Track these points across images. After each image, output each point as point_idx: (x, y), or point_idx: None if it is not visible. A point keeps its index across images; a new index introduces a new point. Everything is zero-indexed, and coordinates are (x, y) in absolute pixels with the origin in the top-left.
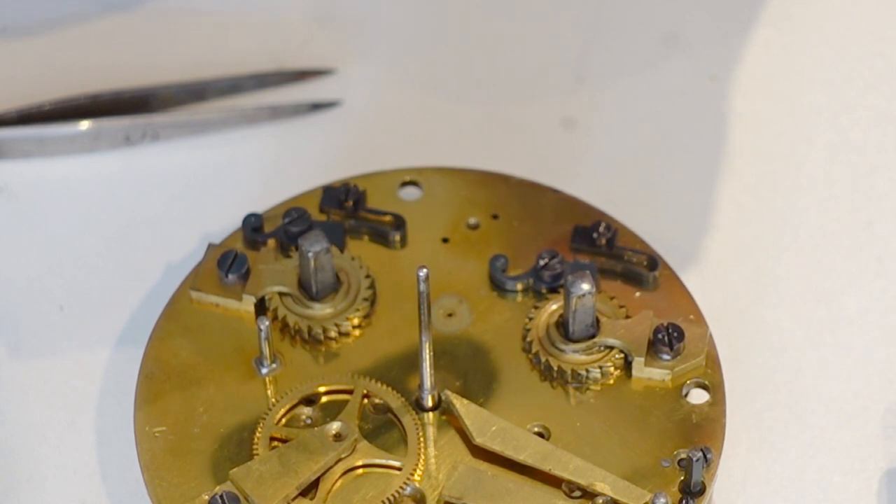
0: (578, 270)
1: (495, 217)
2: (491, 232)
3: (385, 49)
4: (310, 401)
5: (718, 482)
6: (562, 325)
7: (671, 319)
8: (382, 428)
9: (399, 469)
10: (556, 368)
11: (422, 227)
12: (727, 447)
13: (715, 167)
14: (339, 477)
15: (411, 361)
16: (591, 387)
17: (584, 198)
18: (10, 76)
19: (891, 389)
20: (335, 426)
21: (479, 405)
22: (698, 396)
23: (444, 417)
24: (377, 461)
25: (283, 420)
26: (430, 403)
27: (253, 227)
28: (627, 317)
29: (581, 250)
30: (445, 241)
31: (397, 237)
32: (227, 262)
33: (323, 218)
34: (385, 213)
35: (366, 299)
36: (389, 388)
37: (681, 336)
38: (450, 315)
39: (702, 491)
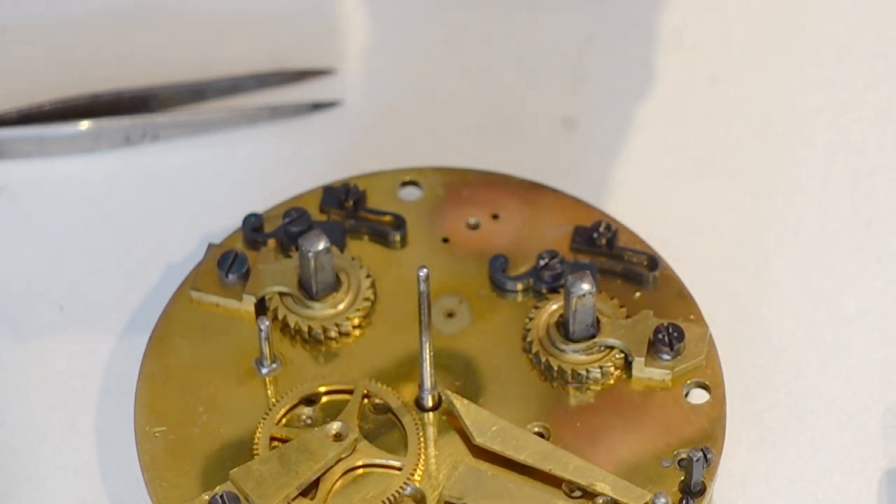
0: (578, 270)
1: (495, 217)
2: (491, 232)
3: (385, 49)
4: (310, 401)
5: (718, 482)
6: (562, 325)
7: (671, 319)
8: (383, 428)
9: (399, 469)
10: (556, 368)
11: (422, 227)
12: (727, 447)
13: (715, 167)
14: (340, 477)
15: (411, 361)
16: (592, 387)
17: (585, 198)
18: (10, 76)
19: (891, 389)
20: (335, 426)
21: (479, 405)
22: (698, 396)
23: (444, 417)
24: (377, 461)
25: (284, 420)
26: (430, 403)
27: (253, 227)
28: (628, 317)
29: (581, 250)
30: (445, 241)
31: (397, 237)
32: (228, 262)
33: (323, 218)
34: (385, 213)
35: (366, 299)
36: (389, 388)
37: (681, 336)
38: (450, 315)
39: (702, 491)
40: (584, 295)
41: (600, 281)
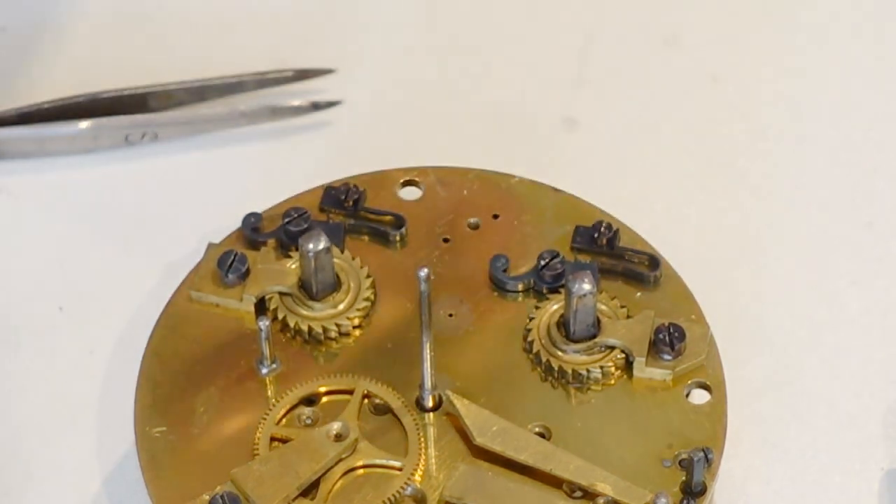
0: (579, 270)
1: (496, 217)
2: (491, 232)
3: (385, 49)
4: (310, 401)
5: (719, 482)
6: (563, 325)
7: (672, 319)
8: (383, 428)
9: (400, 469)
10: (556, 368)
11: (422, 226)
12: (728, 447)
13: (716, 167)
14: (340, 477)
15: (412, 362)
16: (592, 387)
17: (585, 197)
18: (9, 76)
19: (892, 389)
20: (336, 426)
21: (479, 405)
22: (699, 396)
23: (444, 418)
24: (378, 461)
25: (284, 420)
26: (430, 403)
27: (253, 227)
28: (628, 317)
29: (582, 250)
30: (446, 240)
31: (398, 237)
32: (227, 262)
33: (323, 218)
34: (385, 213)
35: (366, 299)
36: (390, 389)
37: (682, 336)
38: (450, 315)
39: (703, 491)
40: (584, 295)
41: (601, 281)
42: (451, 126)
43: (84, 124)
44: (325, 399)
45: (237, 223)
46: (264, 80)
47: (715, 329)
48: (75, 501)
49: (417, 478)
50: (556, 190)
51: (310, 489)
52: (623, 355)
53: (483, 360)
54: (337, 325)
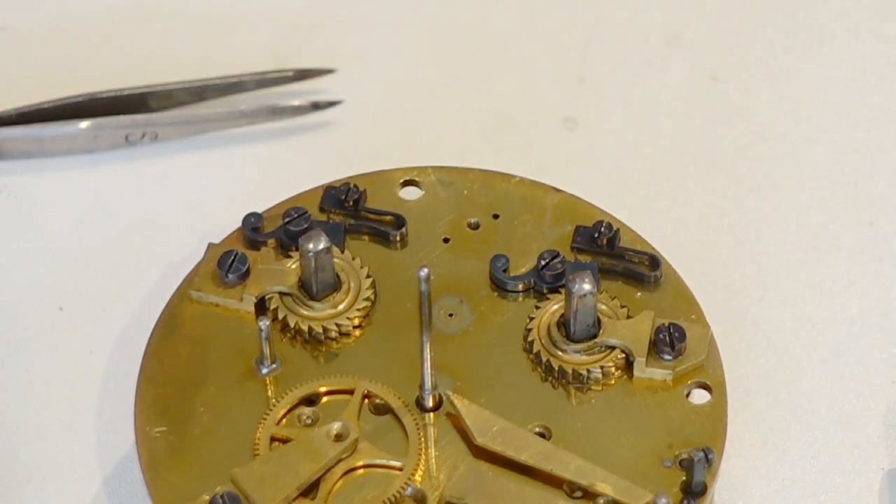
0: (579, 270)
1: (496, 217)
2: (492, 232)
3: (385, 49)
4: (310, 401)
5: (720, 482)
6: (563, 325)
7: (673, 319)
8: (383, 428)
9: (400, 469)
10: (557, 368)
11: (422, 226)
12: (728, 447)
13: (716, 167)
14: (340, 477)
15: (412, 361)
16: (593, 387)
17: (586, 197)
18: (9, 76)
19: (892, 390)
20: (336, 426)
21: (479, 405)
22: (700, 396)
23: (445, 418)
24: (378, 461)
25: (284, 420)
26: (430, 404)
27: (253, 227)
28: (629, 317)
29: (582, 250)
30: (446, 240)
31: (398, 237)
32: (228, 262)
33: (323, 218)
34: (385, 213)
35: (366, 299)
36: (390, 389)
37: (682, 336)
38: (451, 315)
39: (703, 491)
40: (585, 295)
41: (601, 281)
42: (452, 126)
43: (84, 124)
44: (325, 399)
45: (237, 223)
46: (264, 80)
47: (715, 329)
48: (75, 501)
49: (418, 478)
50: (556, 190)
51: (310, 489)
52: (623, 355)
53: (483, 360)
54: (337, 325)
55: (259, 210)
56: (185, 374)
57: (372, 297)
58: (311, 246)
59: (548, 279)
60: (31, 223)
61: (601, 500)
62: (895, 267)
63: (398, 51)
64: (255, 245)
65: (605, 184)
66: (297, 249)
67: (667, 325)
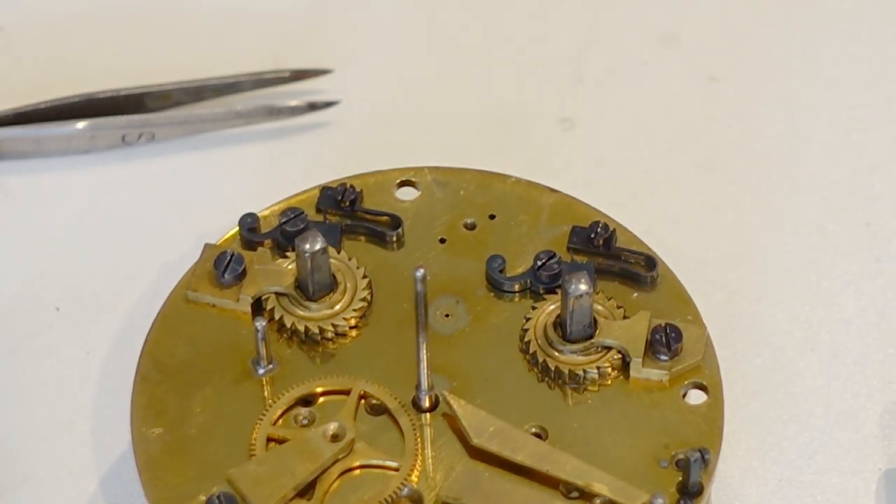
0: (576, 271)
1: (492, 217)
2: (488, 232)
3: (383, 49)
4: (307, 401)
5: (716, 483)
6: (559, 325)
7: (669, 320)
8: (380, 428)
9: (396, 470)
10: (553, 369)
11: (419, 227)
12: (725, 448)
13: (713, 167)
14: (337, 478)
15: (408, 362)
16: (589, 387)
17: (582, 198)
18: (6, 76)
19: (889, 390)
20: (332, 427)
21: (476, 406)
22: (696, 397)
23: (441, 418)
24: (374, 462)
25: (280, 420)
26: (427, 404)
27: (249, 228)
28: (625, 317)
29: (578, 250)
30: (442, 241)
31: (394, 237)
32: (224, 263)
33: (320, 218)
34: (382, 214)
35: (363, 300)
36: (386, 389)
37: (679, 337)
38: (447, 315)
39: (700, 492)
40: (581, 295)
41: (598, 281)
42: (448, 126)
43: (81, 124)
44: (321, 399)
45: (234, 223)
46: (261, 81)
47: (711, 329)
48: (71, 502)
49: (414, 478)
50: (552, 190)
51: (306, 490)
52: (620, 356)
53: (479, 360)
54: (333, 326)
55: (256, 210)
56: (182, 375)
57: (368, 297)
58: (307, 246)
59: (544, 280)
60: (28, 223)
61: (597, 501)
62: (892, 267)
63: (394, 51)
64: (251, 245)
65: (602, 184)
66: (293, 250)
67: (663, 325)
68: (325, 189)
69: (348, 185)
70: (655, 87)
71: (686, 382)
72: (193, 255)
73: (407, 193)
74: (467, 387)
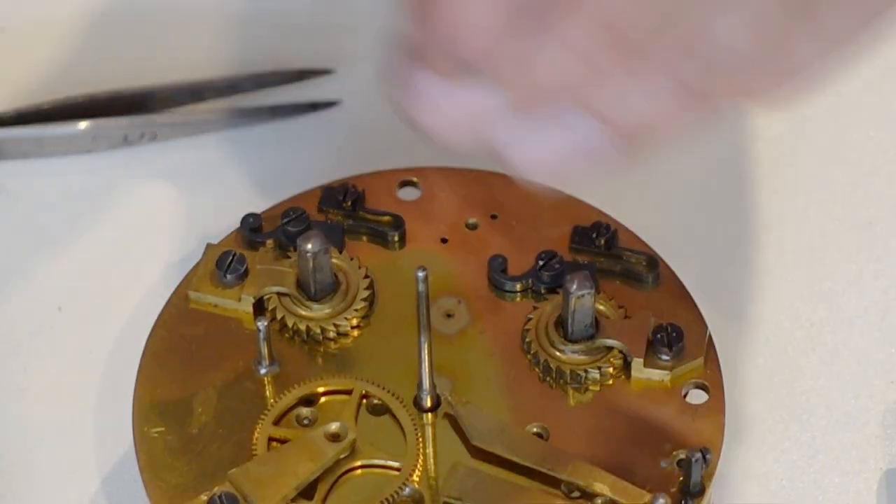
0: (577, 271)
1: (494, 217)
2: (490, 232)
3: (383, 49)
4: (308, 401)
5: (717, 483)
6: (561, 325)
7: (670, 320)
8: (381, 428)
9: (398, 470)
10: (555, 369)
11: (420, 227)
12: (726, 448)
13: (714, 167)
14: (338, 478)
15: (410, 362)
16: (590, 387)
17: (584, 198)
18: (8, 76)
19: (891, 390)
20: (334, 427)
21: (477, 406)
22: (697, 397)
23: (442, 418)
24: (376, 462)
25: (282, 420)
26: (428, 404)
27: (251, 228)
28: (627, 317)
29: (580, 250)
30: (444, 241)
31: (396, 237)
32: (226, 263)
33: (321, 218)
34: (384, 214)
35: (364, 300)
36: (388, 389)
37: (680, 336)
38: (449, 315)
39: (701, 492)
40: (582, 295)
41: (599, 281)
42: None
43: (83, 125)
44: (323, 399)
45: (236, 223)
46: (263, 80)
47: (713, 329)
48: (73, 502)
49: (415, 478)
50: (554, 190)
51: (308, 490)
52: (621, 356)
53: (481, 360)
54: (335, 326)
55: (257, 210)
56: (184, 375)
57: (370, 297)
58: (309, 246)
59: (546, 279)
60: (30, 223)
61: (599, 501)
62: (893, 267)
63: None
64: (253, 245)
65: (604, 184)
66: (295, 250)
67: (665, 325)
68: (326, 189)
69: (350, 185)
70: None
71: (687, 382)
72: (195, 255)
73: (409, 193)
74: (469, 387)
